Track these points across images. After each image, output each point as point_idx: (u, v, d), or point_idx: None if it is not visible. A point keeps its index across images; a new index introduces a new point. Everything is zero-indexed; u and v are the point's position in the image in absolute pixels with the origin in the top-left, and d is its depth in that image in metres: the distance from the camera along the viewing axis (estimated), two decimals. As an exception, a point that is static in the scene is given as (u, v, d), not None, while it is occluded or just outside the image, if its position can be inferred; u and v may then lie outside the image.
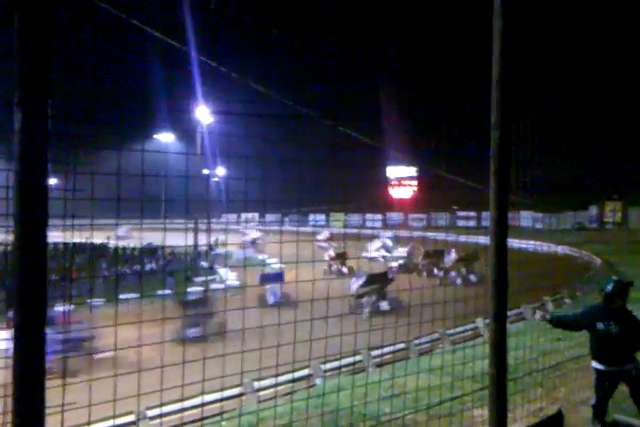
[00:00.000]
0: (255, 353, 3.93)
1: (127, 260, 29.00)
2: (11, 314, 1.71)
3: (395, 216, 67.91)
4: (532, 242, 37.99)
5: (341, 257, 26.48)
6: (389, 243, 31.93)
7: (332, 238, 32.01)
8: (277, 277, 19.60)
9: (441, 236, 39.67)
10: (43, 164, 1.76)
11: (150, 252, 30.82)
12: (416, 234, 44.01)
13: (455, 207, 59.68)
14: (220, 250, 31.08)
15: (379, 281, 19.21)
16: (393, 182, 76.08)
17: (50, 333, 1.78)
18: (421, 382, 4.68)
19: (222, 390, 4.51)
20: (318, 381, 9.96)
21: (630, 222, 51.92)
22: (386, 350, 10.84)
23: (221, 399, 6.71)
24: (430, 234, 43.87)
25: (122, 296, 15.55)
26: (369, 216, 66.02)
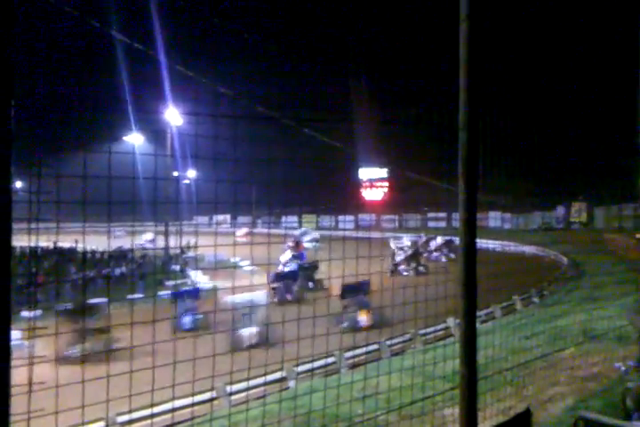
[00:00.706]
0: (226, 358, 3.91)
1: (96, 264, 28.52)
2: None
3: (367, 218, 68.24)
4: (501, 242, 38.64)
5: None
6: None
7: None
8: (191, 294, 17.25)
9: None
10: (5, 166, 1.72)
11: (120, 255, 30.37)
12: (388, 235, 44.27)
13: (425, 209, 60.26)
14: (192, 253, 30.82)
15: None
16: (365, 184, 76.52)
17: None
18: (393, 383, 4.71)
19: (193, 394, 4.47)
20: (292, 383, 9.95)
21: (596, 222, 53.19)
22: (359, 351, 10.89)
23: (192, 404, 6.64)
24: (401, 235, 44.14)
25: (90, 301, 15.26)
26: (341, 218, 66.18)
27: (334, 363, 10.80)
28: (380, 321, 13.63)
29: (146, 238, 40.00)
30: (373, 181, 76.98)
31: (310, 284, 23.22)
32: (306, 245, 29.20)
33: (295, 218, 63.89)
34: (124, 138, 40.10)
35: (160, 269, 27.57)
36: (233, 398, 8.75)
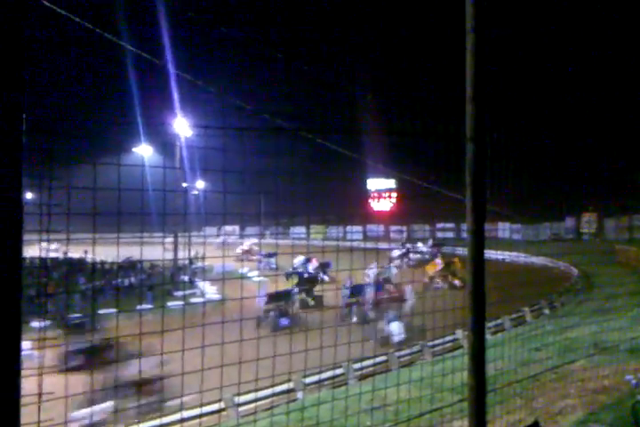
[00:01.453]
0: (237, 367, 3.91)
1: (105, 274, 28.64)
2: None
3: (375, 228, 68.11)
4: (510, 253, 38.43)
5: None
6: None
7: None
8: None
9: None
10: (17, 177, 1.74)
11: (129, 266, 30.50)
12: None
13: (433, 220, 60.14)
14: (201, 263, 30.89)
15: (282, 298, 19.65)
16: (373, 195, 76.53)
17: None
18: (402, 395, 4.68)
19: (202, 405, 4.47)
20: (300, 395, 9.91)
21: (605, 233, 52.79)
22: (367, 362, 10.84)
23: (201, 415, 6.63)
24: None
25: (100, 311, 15.32)
26: (349, 228, 66.07)
27: (342, 374, 10.76)
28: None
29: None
30: (381, 191, 76.99)
31: (310, 301, 22.02)
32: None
33: (303, 229, 63.91)
34: (134, 149, 40.47)
35: (169, 279, 27.64)
36: (241, 409, 8.74)
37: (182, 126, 35.51)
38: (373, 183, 76.37)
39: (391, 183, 75.37)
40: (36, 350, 3.71)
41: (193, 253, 33.63)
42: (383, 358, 11.78)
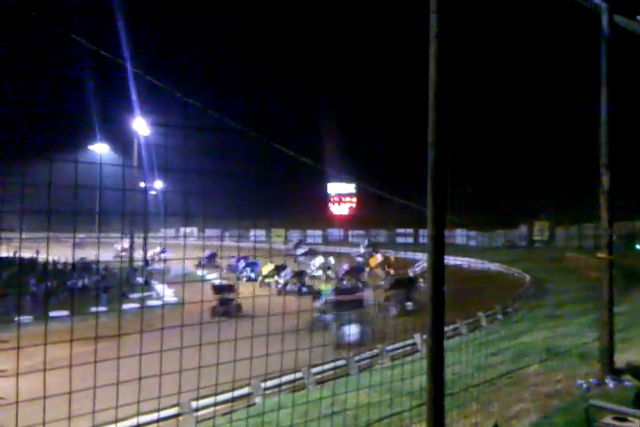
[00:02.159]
0: (194, 372, 3.85)
1: (58, 275, 27.83)
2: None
3: (335, 232, 68.32)
4: (467, 259, 39.16)
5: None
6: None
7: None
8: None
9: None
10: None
11: (83, 267, 29.71)
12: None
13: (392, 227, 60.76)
14: (158, 265, 30.37)
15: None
16: (333, 199, 76.87)
17: None
18: (362, 399, 4.70)
19: (159, 410, 4.38)
20: (258, 399, 9.82)
21: (557, 241, 54.42)
22: (326, 366, 10.84)
23: (158, 420, 6.48)
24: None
25: (52, 314, 14.86)
26: (309, 232, 66.06)
27: (301, 379, 10.72)
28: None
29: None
30: (342, 195, 77.42)
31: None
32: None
33: (263, 232, 63.55)
34: (90, 147, 39.51)
35: (124, 281, 27.04)
36: (198, 413, 8.60)
37: (141, 125, 34.81)
38: (334, 187, 76.71)
39: (351, 188, 75.86)
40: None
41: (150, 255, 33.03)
42: (342, 362, 11.79)
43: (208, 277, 27.14)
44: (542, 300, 22.30)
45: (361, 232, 65.10)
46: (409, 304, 20.66)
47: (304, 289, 25.30)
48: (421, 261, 25.25)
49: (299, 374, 10.52)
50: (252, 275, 30.96)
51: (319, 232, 66.58)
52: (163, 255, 32.15)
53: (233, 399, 7.41)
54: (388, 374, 5.16)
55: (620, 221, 36.06)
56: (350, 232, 67.48)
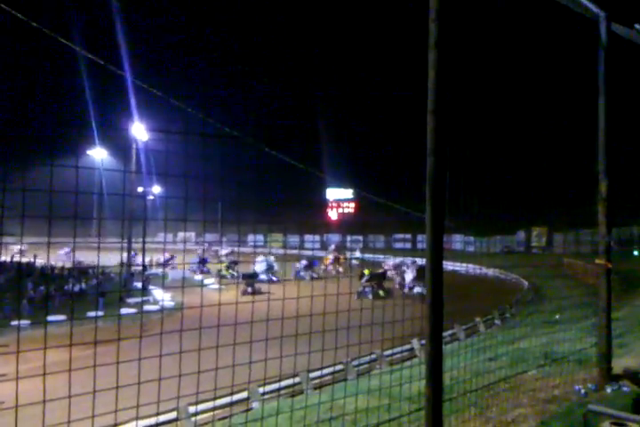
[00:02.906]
0: (192, 376, 3.85)
1: (55, 279, 27.77)
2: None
3: (333, 237, 68.33)
4: (464, 264, 39.20)
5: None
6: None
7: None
8: None
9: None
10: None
11: (81, 271, 29.66)
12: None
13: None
14: (155, 270, 30.33)
15: None
16: (332, 204, 76.94)
17: None
18: (360, 404, 4.70)
19: (158, 414, 4.39)
20: (255, 404, 9.80)
21: (554, 247, 54.49)
22: (324, 371, 10.82)
23: (156, 425, 6.49)
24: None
25: (50, 318, 14.81)
26: (308, 237, 66.07)
27: (299, 383, 10.70)
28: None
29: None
30: (340, 201, 77.48)
31: None
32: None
33: (262, 237, 63.50)
34: (88, 152, 39.51)
35: (122, 286, 26.98)
36: (196, 418, 8.58)
37: (139, 130, 34.80)
38: (332, 193, 76.82)
39: (349, 193, 75.96)
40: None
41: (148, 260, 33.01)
42: (340, 366, 11.78)
43: (206, 282, 27.12)
44: (540, 305, 22.31)
45: (359, 237, 65.11)
46: (381, 292, 28.38)
47: (249, 290, 27.58)
48: (390, 259, 34.11)
49: (297, 379, 10.50)
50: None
51: (317, 237, 66.56)
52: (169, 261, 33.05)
53: (231, 404, 7.39)
54: (386, 378, 5.17)
55: (617, 227, 36.17)
56: (349, 237, 67.44)
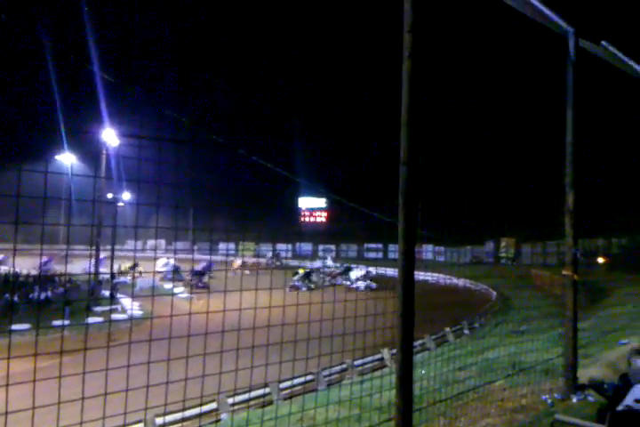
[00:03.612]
0: (160, 387, 3.78)
1: (20, 287, 27.07)
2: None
3: (305, 246, 68.24)
4: (435, 274, 39.52)
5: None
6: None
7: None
8: None
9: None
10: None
11: (47, 279, 28.98)
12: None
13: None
14: (123, 278, 29.84)
15: None
16: (304, 213, 76.99)
17: None
18: (330, 414, 4.68)
19: (125, 426, 4.28)
20: (224, 415, 9.66)
21: (522, 258, 55.40)
22: (295, 381, 10.76)
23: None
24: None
25: (14, 327, 14.43)
26: (281, 246, 65.86)
27: (269, 394, 10.60)
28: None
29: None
30: (312, 210, 77.58)
31: None
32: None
33: (233, 245, 62.94)
34: (57, 157, 38.80)
35: (88, 294, 26.44)
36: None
37: (110, 135, 34.34)
38: (305, 202, 76.91)
39: (322, 202, 76.15)
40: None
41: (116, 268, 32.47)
42: (311, 376, 11.72)
43: (176, 290, 26.78)
44: (508, 315, 22.62)
45: (332, 247, 65.17)
46: (311, 285, 35.34)
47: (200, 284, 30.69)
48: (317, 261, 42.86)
49: (267, 389, 10.41)
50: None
51: (289, 246, 66.43)
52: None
53: (200, 415, 7.28)
54: (356, 388, 5.16)
55: (583, 239, 36.94)
56: (321, 246, 67.45)
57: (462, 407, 5.53)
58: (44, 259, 35.73)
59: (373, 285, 35.03)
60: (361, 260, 57.58)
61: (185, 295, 23.67)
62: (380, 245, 62.64)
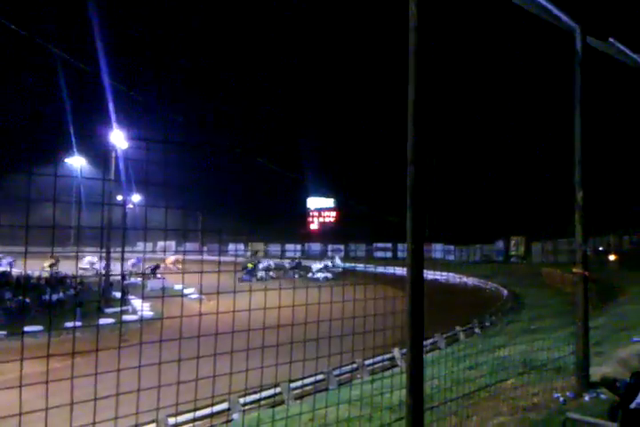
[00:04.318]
0: (171, 387, 3.81)
1: (32, 289, 27.26)
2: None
3: (314, 246, 68.28)
4: (444, 273, 39.42)
5: None
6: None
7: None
8: None
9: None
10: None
11: (58, 281, 29.18)
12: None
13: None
14: (134, 279, 30.00)
15: None
16: (313, 213, 77.02)
17: None
18: (341, 414, 4.69)
19: (137, 426, 4.31)
20: (236, 415, 9.69)
21: (532, 256, 55.09)
22: (306, 381, 10.77)
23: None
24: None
25: (26, 328, 14.56)
26: (289, 246, 65.94)
27: (280, 394, 10.62)
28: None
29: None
30: (321, 210, 77.58)
31: None
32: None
33: (242, 246, 63.19)
34: (66, 160, 39.04)
35: (100, 295, 26.62)
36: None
37: (118, 138, 34.56)
38: (314, 202, 76.95)
39: (330, 202, 76.15)
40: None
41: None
42: (321, 376, 11.72)
43: (186, 291, 26.88)
44: (519, 314, 22.50)
45: (340, 247, 65.17)
46: (254, 278, 38.92)
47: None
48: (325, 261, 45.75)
49: (278, 389, 10.43)
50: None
51: (298, 246, 66.53)
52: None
53: (211, 415, 7.31)
54: (367, 388, 5.16)
55: (594, 237, 36.71)
56: (330, 246, 67.47)
57: (474, 406, 5.52)
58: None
59: (330, 275, 40.72)
60: (370, 259, 57.49)
61: (195, 296, 23.74)
62: (389, 245, 62.51)
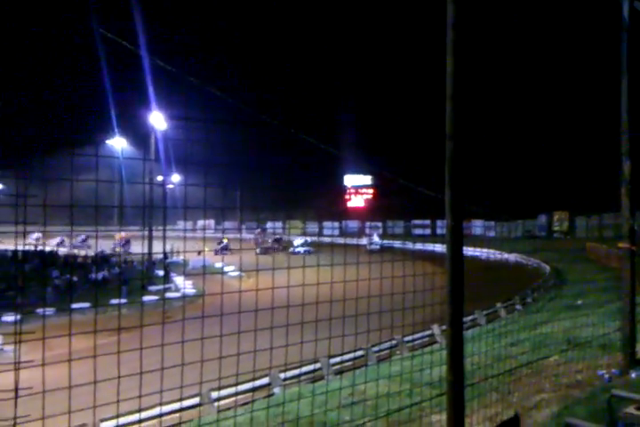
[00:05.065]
0: (214, 362, 3.88)
1: (78, 268, 28.21)
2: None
3: (351, 224, 68.27)
4: (485, 250, 38.92)
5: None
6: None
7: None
8: None
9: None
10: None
11: (103, 260, 30.11)
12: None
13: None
14: (176, 258, 30.65)
15: None
16: (350, 191, 76.78)
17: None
18: (381, 389, 4.71)
19: (181, 400, 4.44)
20: (277, 390, 9.89)
21: (576, 231, 53.79)
22: (345, 357, 10.87)
23: (180, 410, 6.58)
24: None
25: (74, 305, 15.09)
26: (327, 224, 66.09)
27: (320, 369, 10.77)
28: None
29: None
30: (358, 187, 77.24)
31: None
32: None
33: (280, 224, 63.73)
34: (107, 142, 39.81)
35: (144, 274, 27.35)
36: (218, 403, 8.69)
37: (158, 119, 35.01)
38: (351, 179, 76.61)
39: (368, 180, 75.71)
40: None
41: (168, 248, 33.34)
42: (360, 352, 11.82)
43: (226, 269, 27.33)
44: (562, 290, 22.10)
45: (378, 224, 64.96)
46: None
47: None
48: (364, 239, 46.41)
49: (317, 365, 10.58)
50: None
51: (336, 224, 66.63)
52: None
53: (253, 389, 7.47)
54: (407, 364, 5.17)
55: (641, 211, 35.46)
56: (368, 224, 67.35)
57: (515, 383, 5.47)
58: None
59: (311, 249, 42.65)
60: (407, 237, 57.18)
61: (235, 273, 24.13)
62: (428, 222, 61.97)
